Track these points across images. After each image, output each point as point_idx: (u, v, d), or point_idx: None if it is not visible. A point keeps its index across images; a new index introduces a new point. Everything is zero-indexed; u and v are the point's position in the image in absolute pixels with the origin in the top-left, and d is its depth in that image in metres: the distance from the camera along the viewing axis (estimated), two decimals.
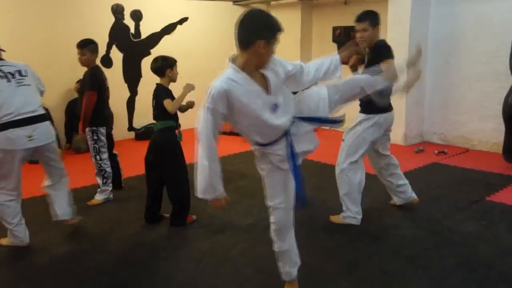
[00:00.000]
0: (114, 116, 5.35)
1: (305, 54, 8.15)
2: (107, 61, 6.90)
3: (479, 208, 4.05)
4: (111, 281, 2.93)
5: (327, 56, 2.60)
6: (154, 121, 3.78)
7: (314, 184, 4.61)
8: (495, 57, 5.96)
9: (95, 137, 4.22)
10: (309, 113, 2.44)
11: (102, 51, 6.24)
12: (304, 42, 8.21)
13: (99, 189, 4.29)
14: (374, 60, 3.24)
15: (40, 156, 3.39)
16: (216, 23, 8.30)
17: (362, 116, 3.61)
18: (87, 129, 4.22)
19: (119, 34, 7.11)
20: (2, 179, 3.22)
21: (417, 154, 6.09)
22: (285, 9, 8.13)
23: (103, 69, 4.45)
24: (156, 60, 3.64)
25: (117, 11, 7.02)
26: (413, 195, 3.98)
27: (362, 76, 2.86)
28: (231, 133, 7.39)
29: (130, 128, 7.49)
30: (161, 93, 3.58)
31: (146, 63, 7.29)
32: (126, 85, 7.33)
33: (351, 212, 3.67)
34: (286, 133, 2.34)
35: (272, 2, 8.16)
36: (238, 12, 8.52)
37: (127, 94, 7.38)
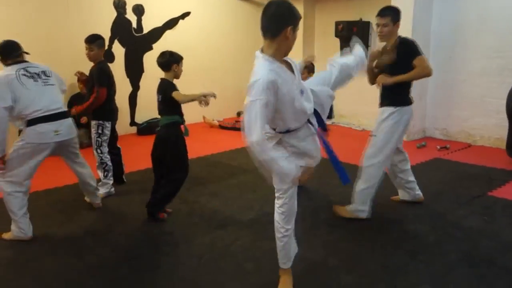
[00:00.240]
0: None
1: (307, 49, 8.14)
2: (109, 56, 6.87)
3: (481, 204, 4.05)
4: (113, 275, 2.94)
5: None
6: (157, 116, 3.78)
7: (316, 179, 4.60)
8: (498, 52, 5.94)
9: (100, 131, 4.25)
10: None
11: None
12: (306, 36, 8.20)
13: (100, 183, 4.29)
14: (404, 56, 3.44)
15: (63, 151, 3.61)
16: (218, 17, 8.30)
17: (389, 109, 3.58)
18: (92, 122, 4.27)
19: (121, 29, 7.10)
20: (15, 171, 3.32)
21: (419, 150, 6.08)
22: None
23: None
24: (163, 54, 3.65)
25: (119, 5, 7.00)
26: (420, 194, 3.99)
27: (353, 64, 2.88)
28: (233, 128, 7.51)
29: (132, 123, 7.49)
30: (169, 87, 3.58)
31: (148, 58, 7.31)
32: (128, 80, 7.32)
33: (363, 206, 3.64)
34: (308, 121, 2.42)
35: None
36: (240, 6, 8.58)
37: (129, 89, 7.37)
